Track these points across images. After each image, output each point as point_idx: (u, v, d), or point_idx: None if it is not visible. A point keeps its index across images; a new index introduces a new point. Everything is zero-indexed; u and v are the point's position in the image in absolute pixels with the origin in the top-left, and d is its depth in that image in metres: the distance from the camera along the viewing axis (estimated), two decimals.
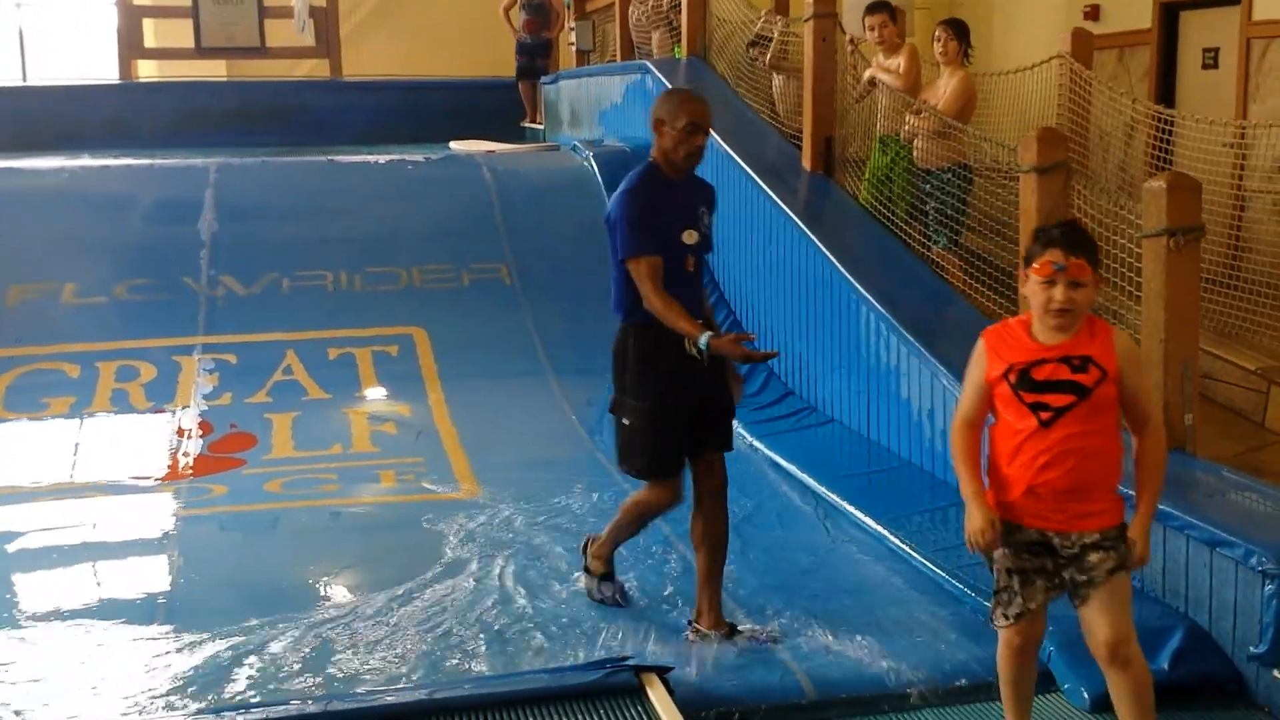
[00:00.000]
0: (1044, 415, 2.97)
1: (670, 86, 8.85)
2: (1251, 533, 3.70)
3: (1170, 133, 6.80)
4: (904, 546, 4.71)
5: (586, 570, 4.38)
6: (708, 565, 4.03)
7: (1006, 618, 3.12)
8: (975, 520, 3.03)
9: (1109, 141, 8.06)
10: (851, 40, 7.49)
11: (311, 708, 3.45)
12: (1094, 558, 2.98)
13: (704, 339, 3.76)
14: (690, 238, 3.98)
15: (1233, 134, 6.78)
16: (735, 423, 6.18)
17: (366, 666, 3.90)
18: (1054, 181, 5.03)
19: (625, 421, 4.05)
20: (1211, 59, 8.51)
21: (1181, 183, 4.30)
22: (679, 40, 9.66)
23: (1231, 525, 3.77)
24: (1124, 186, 7.09)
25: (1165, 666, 3.63)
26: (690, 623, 4.05)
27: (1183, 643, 3.72)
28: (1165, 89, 8.83)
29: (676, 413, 3.96)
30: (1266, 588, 3.57)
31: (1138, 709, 3.04)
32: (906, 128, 6.78)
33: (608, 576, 4.33)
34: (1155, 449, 3.06)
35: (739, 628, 4.03)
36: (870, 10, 7.16)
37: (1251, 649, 3.63)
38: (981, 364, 3.08)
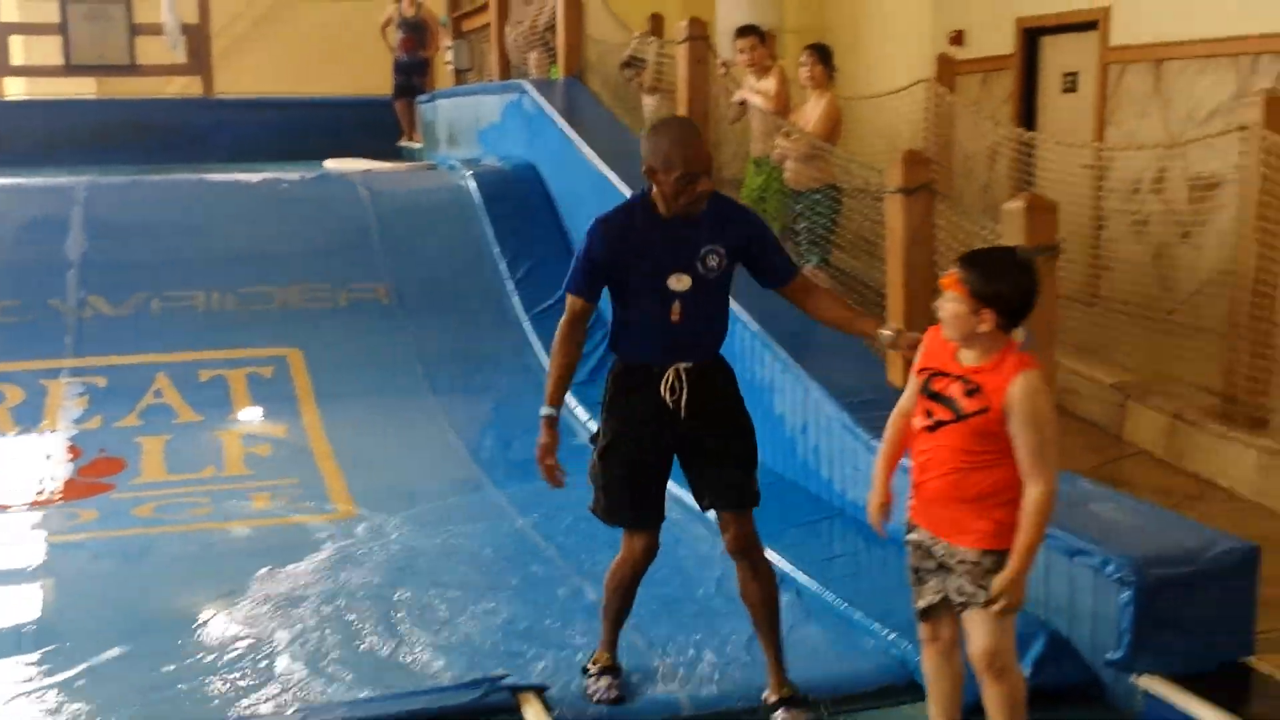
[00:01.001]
0: (928, 422, 3.09)
1: (548, 109, 8.87)
2: (1109, 542, 3.82)
3: (1032, 155, 7.06)
4: (779, 561, 4.77)
5: (584, 670, 3.84)
6: (756, 628, 3.71)
7: (915, 613, 3.25)
8: (870, 501, 3.28)
9: (973, 163, 8.33)
10: (724, 63, 7.62)
11: None
12: (968, 575, 3.06)
13: (542, 410, 3.55)
14: (680, 283, 3.49)
15: (1091, 156, 7.06)
16: None
17: (241, 693, 3.83)
18: (918, 202, 5.19)
19: (593, 455, 3.69)
20: (1071, 83, 8.84)
21: (1038, 203, 4.46)
22: (555, 60, 9.71)
23: (1090, 535, 3.88)
24: (988, 208, 7.32)
25: (1027, 674, 3.72)
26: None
27: (1044, 650, 3.83)
28: (1027, 112, 9.14)
29: (634, 455, 3.59)
30: (1123, 595, 3.69)
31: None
32: (777, 150, 6.91)
33: (607, 669, 3.79)
34: (1031, 503, 2.98)
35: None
36: (740, 33, 7.30)
37: (1109, 655, 3.75)
38: (917, 355, 3.22)
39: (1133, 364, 6.18)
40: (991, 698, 3.13)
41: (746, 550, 3.61)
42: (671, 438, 3.57)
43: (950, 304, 3.02)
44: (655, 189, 3.48)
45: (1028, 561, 3.01)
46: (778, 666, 3.65)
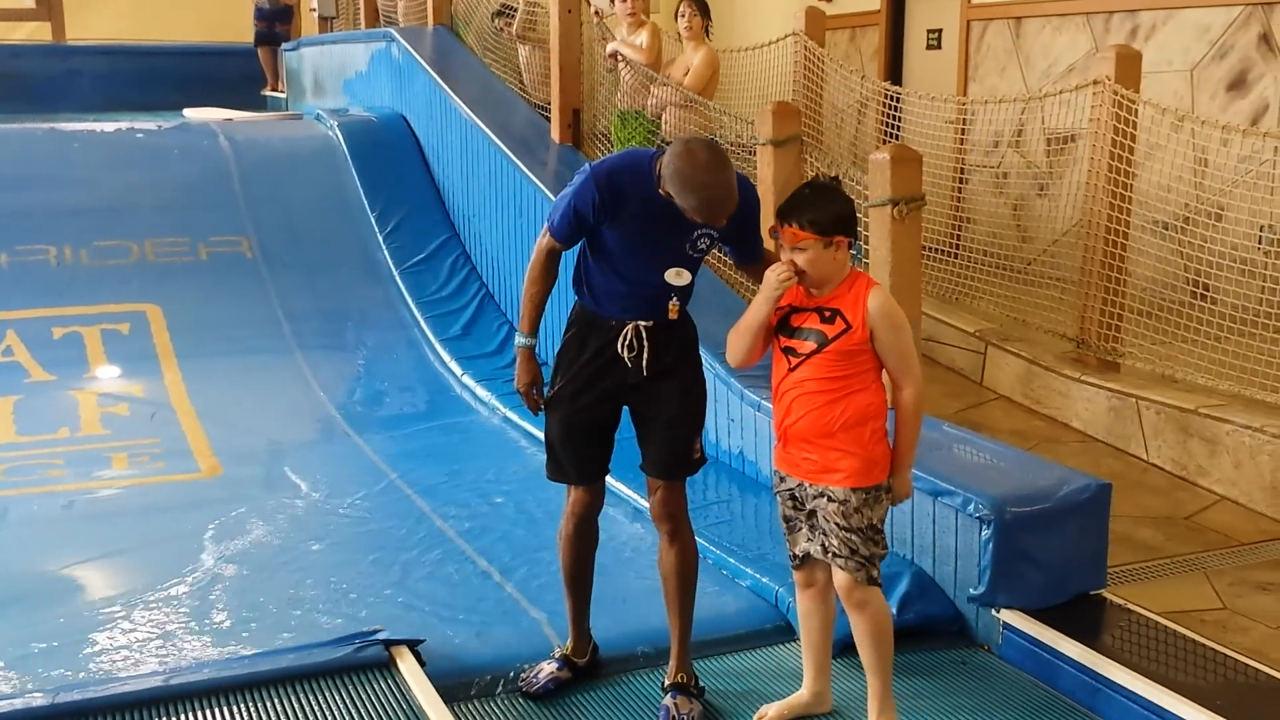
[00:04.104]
0: (792, 360, 3.14)
1: (417, 58, 8.70)
2: (970, 482, 3.94)
3: (898, 109, 7.17)
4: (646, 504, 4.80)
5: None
6: (665, 601, 3.52)
7: (790, 559, 3.32)
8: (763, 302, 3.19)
9: (843, 117, 8.43)
10: (597, 12, 7.55)
11: (38, 701, 3.26)
12: (836, 512, 3.12)
13: (517, 339, 3.45)
14: (679, 277, 3.32)
15: (954, 111, 7.21)
16: (490, 396, 6.34)
17: (108, 657, 3.73)
18: (788, 154, 5.23)
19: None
20: (935, 40, 9.00)
21: (903, 154, 4.52)
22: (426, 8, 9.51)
23: (952, 476, 3.99)
24: (857, 161, 7.43)
25: (894, 611, 3.81)
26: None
27: (909, 588, 3.94)
28: (894, 68, 9.28)
29: (578, 411, 3.42)
30: (983, 533, 3.81)
31: (871, 649, 3.22)
32: (653, 100, 6.89)
33: (563, 658, 3.64)
34: (907, 404, 3.13)
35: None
36: None
37: (971, 590, 3.87)
38: None
39: (993, 313, 6.36)
40: (857, 628, 3.24)
41: (668, 517, 3.46)
42: (622, 394, 3.41)
43: (805, 254, 3.06)
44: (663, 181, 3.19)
45: (912, 457, 3.19)
46: (680, 648, 3.50)
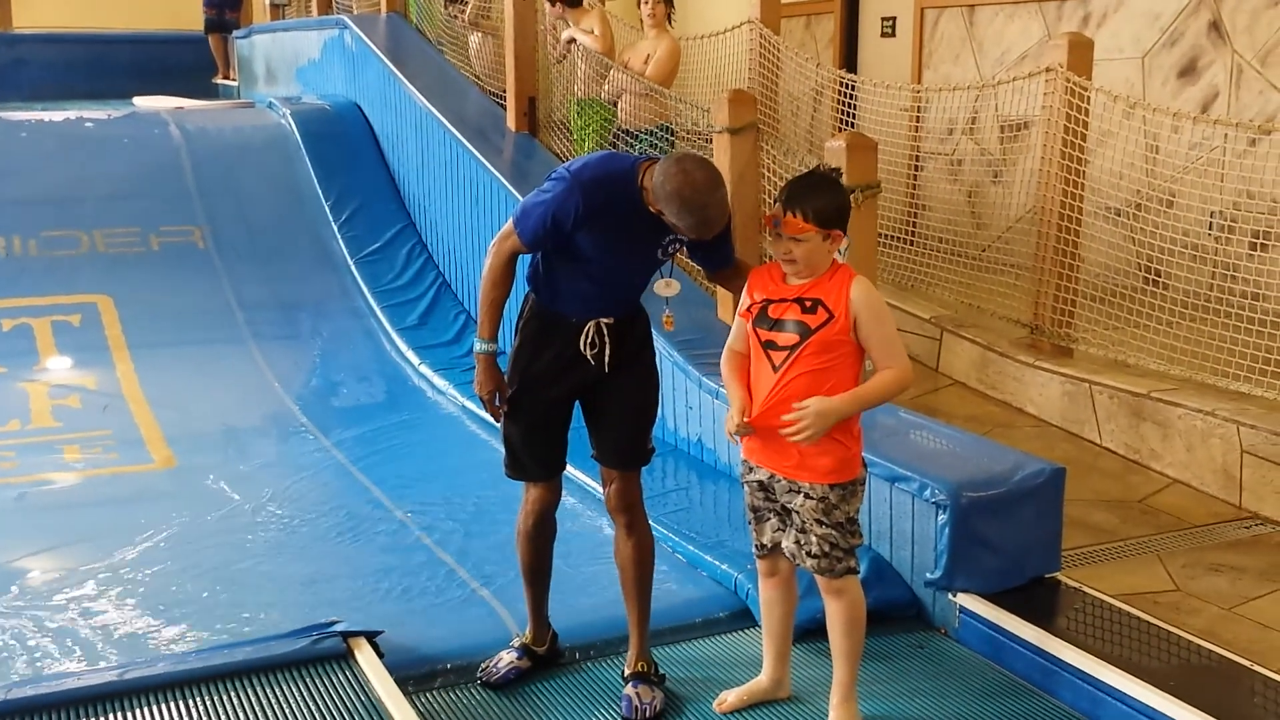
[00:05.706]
0: (774, 355, 3.08)
1: (371, 45, 8.62)
2: (926, 468, 3.96)
3: (853, 97, 7.19)
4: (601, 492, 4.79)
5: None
6: (623, 591, 3.52)
7: (754, 548, 3.32)
8: (734, 412, 3.15)
9: (799, 105, 8.45)
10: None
11: None
12: (812, 510, 3.11)
13: (477, 345, 3.36)
14: (670, 288, 3.40)
15: (909, 98, 7.24)
16: (448, 386, 6.31)
17: (61, 651, 3.69)
18: (745, 141, 5.23)
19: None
20: (890, 28, 9.03)
21: (859, 142, 4.53)
22: None
23: (908, 462, 4.01)
24: (813, 148, 7.45)
25: None
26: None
27: (867, 573, 3.92)
28: (849, 56, 9.30)
29: (540, 409, 3.42)
30: (939, 518, 3.83)
31: (843, 636, 3.21)
32: (608, 87, 6.86)
33: (522, 647, 3.64)
34: (888, 374, 3.04)
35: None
36: None
37: (928, 575, 3.90)
38: (743, 297, 3.21)
39: (948, 299, 6.40)
40: (832, 615, 3.23)
41: (625, 508, 3.48)
42: (580, 388, 3.42)
43: (803, 245, 3.02)
44: (649, 194, 3.14)
45: (850, 405, 3.04)
46: (639, 636, 3.51)
